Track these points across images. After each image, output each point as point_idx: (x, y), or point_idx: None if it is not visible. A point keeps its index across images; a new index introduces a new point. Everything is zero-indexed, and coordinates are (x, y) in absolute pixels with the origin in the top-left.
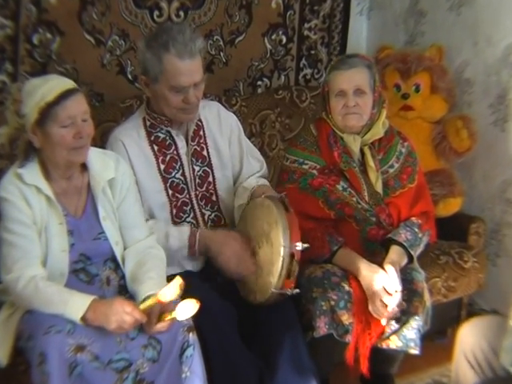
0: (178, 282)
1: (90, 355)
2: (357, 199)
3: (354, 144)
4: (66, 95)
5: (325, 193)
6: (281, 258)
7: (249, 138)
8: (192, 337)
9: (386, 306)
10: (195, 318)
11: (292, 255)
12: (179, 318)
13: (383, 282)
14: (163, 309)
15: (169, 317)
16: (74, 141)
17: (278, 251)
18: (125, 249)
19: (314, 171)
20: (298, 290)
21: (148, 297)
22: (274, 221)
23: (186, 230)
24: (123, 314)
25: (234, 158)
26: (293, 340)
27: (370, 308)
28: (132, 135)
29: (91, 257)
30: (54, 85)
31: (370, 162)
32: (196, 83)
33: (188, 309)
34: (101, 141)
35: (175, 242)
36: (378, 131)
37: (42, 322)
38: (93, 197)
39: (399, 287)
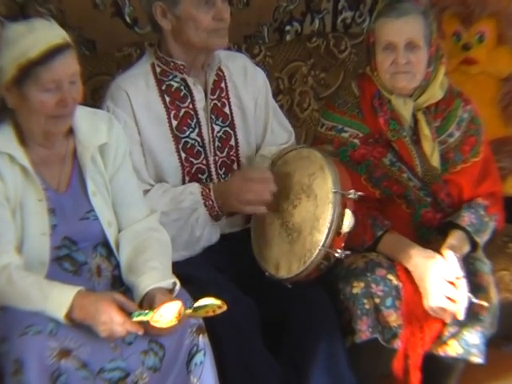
0: (178, 306)
1: (76, 362)
2: (408, 175)
3: (405, 108)
4: (53, 53)
5: (368, 167)
6: (330, 206)
7: (275, 96)
8: (202, 340)
9: (448, 300)
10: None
11: (344, 205)
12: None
13: (441, 268)
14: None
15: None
16: (57, 109)
17: (327, 198)
18: (119, 231)
19: (356, 141)
20: (349, 252)
21: (144, 311)
22: (319, 167)
23: (196, 184)
24: (112, 324)
25: (258, 122)
26: (329, 346)
27: (426, 305)
28: (138, 84)
29: (77, 241)
30: (41, 37)
31: (425, 130)
32: None
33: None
34: (92, 98)
35: (187, 197)
36: (435, 93)
37: (18, 320)
38: (80, 167)
39: (461, 272)
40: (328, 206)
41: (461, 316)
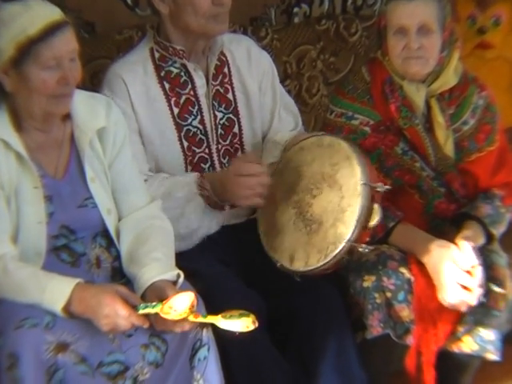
0: (190, 298)
1: (74, 356)
2: (421, 165)
3: (418, 95)
4: (53, 30)
5: (380, 156)
6: (359, 199)
7: (282, 81)
8: (206, 334)
9: (463, 289)
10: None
11: (372, 198)
12: (220, 326)
13: (455, 258)
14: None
15: (200, 318)
16: (58, 87)
17: (355, 190)
18: (120, 219)
19: (367, 128)
20: (372, 247)
21: (151, 303)
22: (344, 157)
23: (192, 174)
24: (116, 317)
25: (264, 109)
26: (339, 342)
27: (440, 298)
28: (136, 70)
29: (76, 230)
30: (38, 14)
31: (439, 118)
32: None
33: (243, 325)
34: (91, 83)
35: (183, 187)
36: (449, 79)
37: (14, 313)
38: (77, 152)
39: (477, 261)
40: (357, 198)
41: (475, 302)
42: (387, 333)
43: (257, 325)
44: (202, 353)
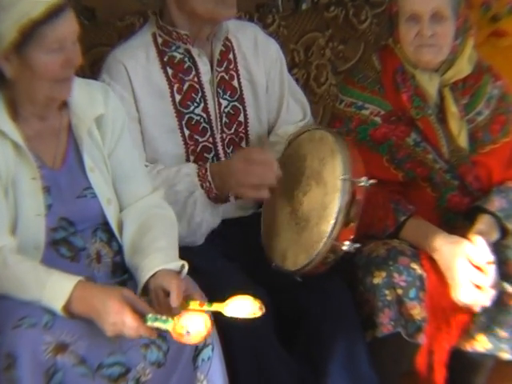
0: (203, 320)
1: (73, 357)
2: (433, 156)
3: (431, 84)
4: (56, 11)
5: (391, 147)
6: (338, 195)
7: (289, 70)
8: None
9: (477, 287)
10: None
11: (353, 194)
12: (226, 314)
13: (469, 253)
14: (189, 291)
15: (205, 306)
16: (61, 71)
17: (334, 186)
18: (122, 210)
19: (377, 118)
20: (358, 245)
21: (161, 316)
22: (329, 151)
23: (192, 165)
24: (124, 327)
25: (271, 98)
26: (348, 341)
27: (453, 296)
28: (138, 56)
29: (75, 222)
30: None
31: (452, 108)
32: None
33: (249, 310)
34: (90, 71)
35: (183, 178)
36: (463, 68)
37: (11, 311)
38: (75, 141)
39: (492, 257)
40: (335, 194)
41: (488, 303)
42: (398, 331)
43: (264, 310)
44: (206, 353)
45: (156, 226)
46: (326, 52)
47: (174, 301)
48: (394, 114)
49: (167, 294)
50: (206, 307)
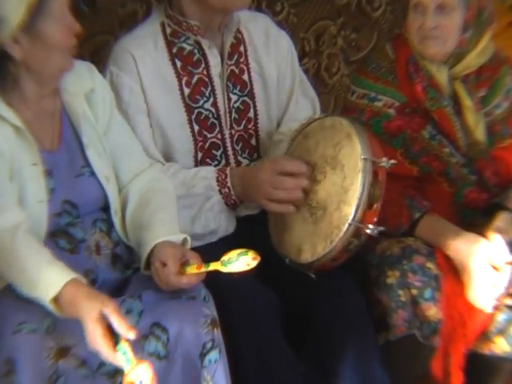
0: (149, 372)
1: (75, 360)
2: (450, 150)
3: (439, 75)
4: None
5: (405, 141)
6: (360, 175)
7: (299, 60)
8: (218, 335)
9: (494, 287)
10: (218, 309)
11: (375, 173)
12: (225, 271)
13: (487, 252)
14: (186, 257)
15: (203, 268)
16: (69, 38)
17: (355, 167)
18: (122, 188)
19: (391, 110)
20: (382, 228)
21: (128, 355)
22: (345, 135)
23: (210, 168)
24: (95, 346)
25: (281, 93)
26: (360, 343)
27: (469, 295)
28: (146, 46)
29: (78, 204)
30: None
31: (466, 101)
32: None
33: (246, 263)
34: (91, 60)
35: (200, 182)
36: (473, 63)
37: (9, 316)
38: (69, 120)
39: (510, 257)
40: (358, 174)
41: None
42: (413, 333)
43: (259, 259)
44: (214, 355)
45: (155, 200)
46: (338, 41)
47: (171, 271)
48: (409, 106)
49: (165, 265)
50: (203, 269)
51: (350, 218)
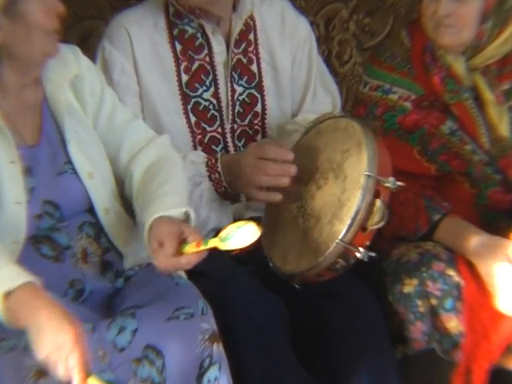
0: None
1: (56, 382)
2: (472, 147)
3: (456, 65)
4: None
5: (423, 137)
6: (359, 192)
7: None
8: (217, 350)
9: None
10: (221, 319)
11: (376, 194)
12: (224, 248)
13: None
14: (184, 234)
15: (202, 246)
16: (51, 19)
17: (357, 182)
18: (123, 172)
19: (407, 104)
20: (373, 254)
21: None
22: (355, 143)
23: (200, 153)
24: (59, 361)
25: (296, 85)
26: (375, 358)
27: (496, 304)
28: (144, 23)
29: (60, 205)
30: None
31: (487, 94)
32: None
33: (246, 236)
34: (80, 46)
35: (188, 167)
36: (492, 53)
37: None
38: (51, 111)
39: None
40: (357, 191)
41: None
42: (432, 348)
43: (260, 231)
44: (213, 373)
45: (162, 171)
46: (350, 26)
47: (169, 252)
48: (426, 99)
49: (162, 245)
50: (202, 247)
51: (340, 236)
